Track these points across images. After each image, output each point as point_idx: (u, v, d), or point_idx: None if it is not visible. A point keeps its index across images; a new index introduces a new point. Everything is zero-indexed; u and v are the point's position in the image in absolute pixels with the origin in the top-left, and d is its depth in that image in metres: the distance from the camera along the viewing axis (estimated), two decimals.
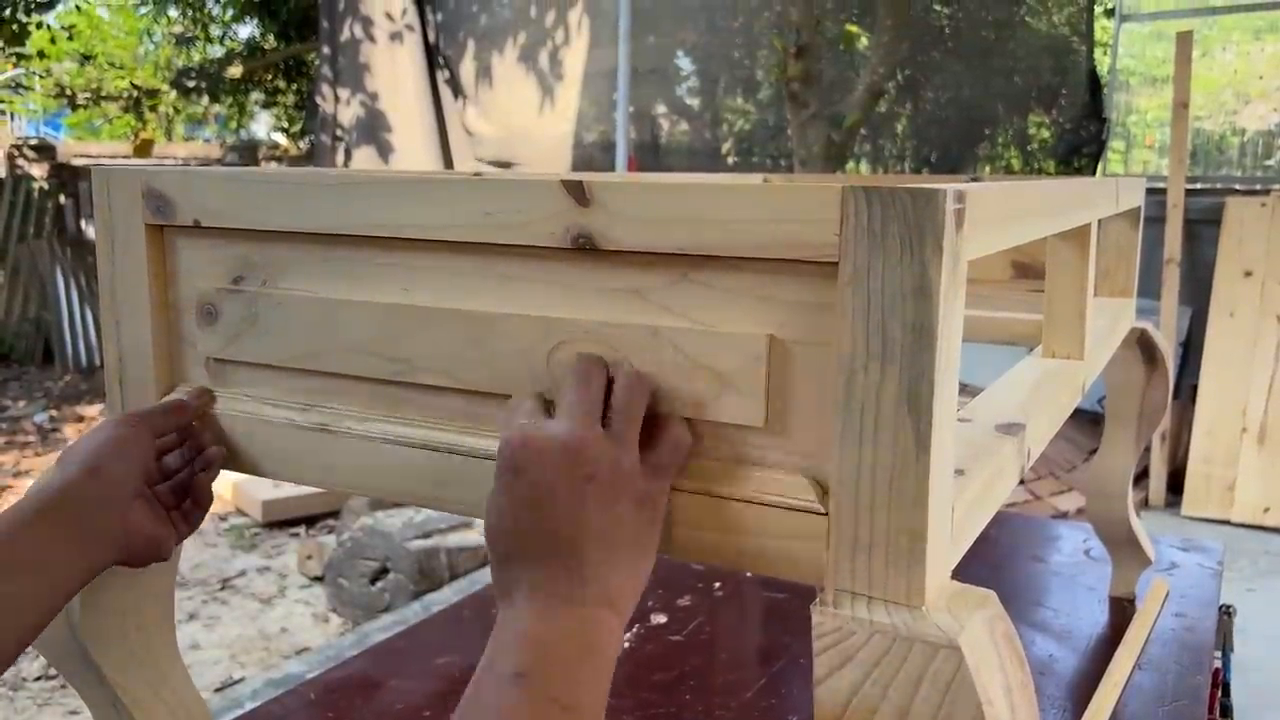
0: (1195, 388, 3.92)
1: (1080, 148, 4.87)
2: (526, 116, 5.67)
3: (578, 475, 0.51)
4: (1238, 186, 4.69)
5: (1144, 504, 3.90)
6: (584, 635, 0.50)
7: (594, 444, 0.52)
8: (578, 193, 0.55)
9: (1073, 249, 0.88)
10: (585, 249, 0.56)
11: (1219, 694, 1.28)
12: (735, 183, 0.53)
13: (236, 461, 0.72)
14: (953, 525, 0.52)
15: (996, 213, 0.56)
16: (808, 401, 0.52)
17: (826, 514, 0.51)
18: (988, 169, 5.32)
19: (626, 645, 1.23)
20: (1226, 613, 1.37)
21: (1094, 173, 4.83)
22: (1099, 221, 0.94)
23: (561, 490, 0.51)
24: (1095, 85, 4.73)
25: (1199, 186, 4.53)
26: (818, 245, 0.49)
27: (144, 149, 8.22)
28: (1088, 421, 3.92)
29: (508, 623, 0.51)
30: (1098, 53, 4.98)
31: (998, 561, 1.50)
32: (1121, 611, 1.33)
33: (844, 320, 0.49)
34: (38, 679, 2.65)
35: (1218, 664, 1.29)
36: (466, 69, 5.77)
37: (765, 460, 0.54)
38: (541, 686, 0.47)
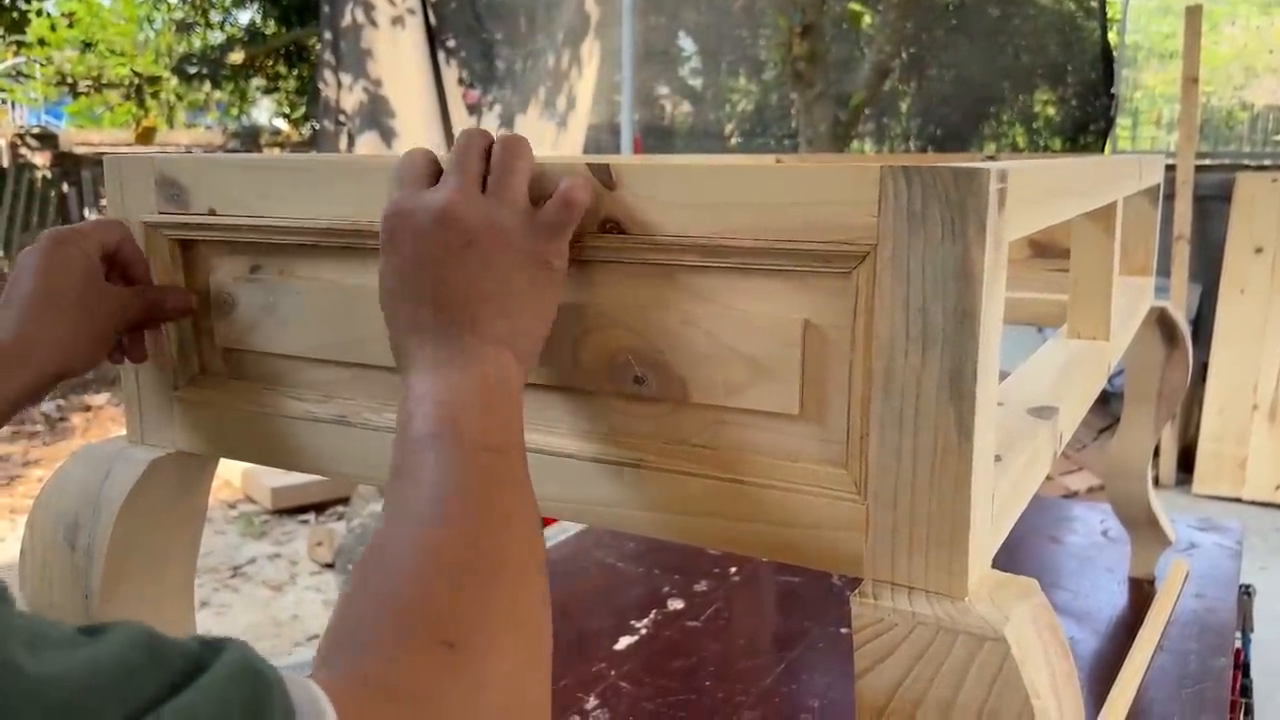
0: (1205, 365, 3.90)
1: (1088, 124, 4.84)
2: (543, 147, 5.67)
3: (455, 240, 0.51)
4: (1247, 162, 4.65)
5: (1154, 482, 3.88)
6: (485, 381, 0.50)
7: (470, 206, 0.52)
8: (604, 176, 0.54)
9: (1098, 228, 0.87)
10: (613, 234, 0.55)
11: (1240, 675, 1.28)
12: (764, 165, 0.52)
13: (253, 453, 0.71)
14: (993, 513, 0.51)
15: (1034, 192, 0.54)
16: (844, 388, 0.51)
17: (864, 503, 0.50)
18: (993, 147, 5.29)
19: (644, 632, 1.23)
20: (1246, 593, 1.36)
21: (1102, 149, 4.80)
22: (1123, 200, 0.93)
23: (442, 257, 0.51)
24: (1108, 60, 4.68)
25: (1208, 163, 4.50)
26: (855, 227, 0.48)
27: (146, 136, 8.20)
28: (1098, 399, 3.91)
29: (412, 391, 0.50)
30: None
31: (1014, 543, 1.49)
32: (1141, 593, 1.32)
33: (883, 305, 0.48)
34: None
35: (1238, 645, 1.28)
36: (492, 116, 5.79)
37: (800, 448, 0.53)
38: (456, 438, 0.47)
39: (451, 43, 5.69)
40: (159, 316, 0.70)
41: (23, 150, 7.17)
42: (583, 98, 5.57)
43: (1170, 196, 3.86)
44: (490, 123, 5.81)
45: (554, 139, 5.60)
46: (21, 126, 8.71)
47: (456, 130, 5.65)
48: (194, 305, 0.71)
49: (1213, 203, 4.05)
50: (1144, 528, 1.35)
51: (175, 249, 0.71)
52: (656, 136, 5.75)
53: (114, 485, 0.72)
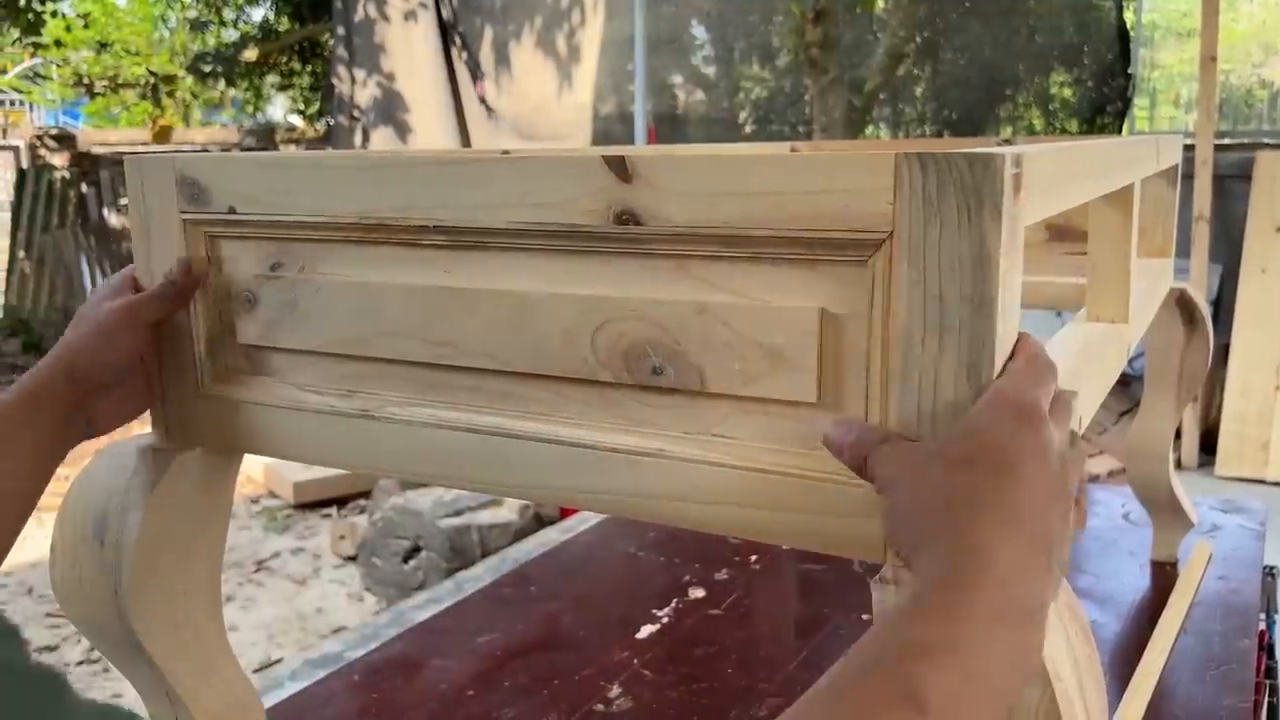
0: (1227, 346, 3.87)
1: (1105, 105, 4.80)
2: (545, 97, 5.64)
3: (1049, 469, 0.44)
4: (1267, 140, 4.61)
5: (1177, 465, 3.85)
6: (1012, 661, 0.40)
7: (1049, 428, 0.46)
8: (619, 168, 0.54)
9: (1116, 211, 0.87)
10: (629, 225, 0.55)
11: (1264, 657, 1.27)
12: (779, 153, 0.52)
13: (277, 448, 0.72)
14: None
15: (1050, 176, 0.54)
16: (862, 376, 0.51)
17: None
18: (1009, 130, 5.25)
19: (666, 620, 1.23)
20: (1270, 574, 1.36)
21: (1119, 131, 4.76)
22: (1140, 182, 0.92)
23: (1043, 504, 0.44)
24: (1124, 39, 4.64)
25: (1227, 141, 4.45)
26: (871, 215, 0.48)
27: (163, 135, 8.25)
28: (1118, 383, 3.88)
29: (884, 621, 0.42)
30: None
31: None
32: (1164, 576, 1.32)
33: (899, 292, 0.48)
34: (80, 663, 2.69)
35: (1262, 626, 1.28)
36: (485, 53, 5.75)
37: (819, 436, 0.53)
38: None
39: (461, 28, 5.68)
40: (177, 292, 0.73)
41: (41, 151, 7.22)
42: (588, 48, 5.51)
43: (1189, 176, 3.82)
44: (485, 53, 5.72)
45: (555, 87, 5.53)
46: (39, 128, 8.78)
47: (470, 124, 5.65)
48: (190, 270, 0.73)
49: (1232, 182, 4.01)
50: (1166, 510, 1.35)
51: (209, 245, 0.72)
52: (670, 125, 5.74)
53: (140, 482, 0.73)
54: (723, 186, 0.52)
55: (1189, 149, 3.84)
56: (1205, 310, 1.24)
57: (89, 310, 0.72)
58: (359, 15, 5.60)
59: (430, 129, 5.58)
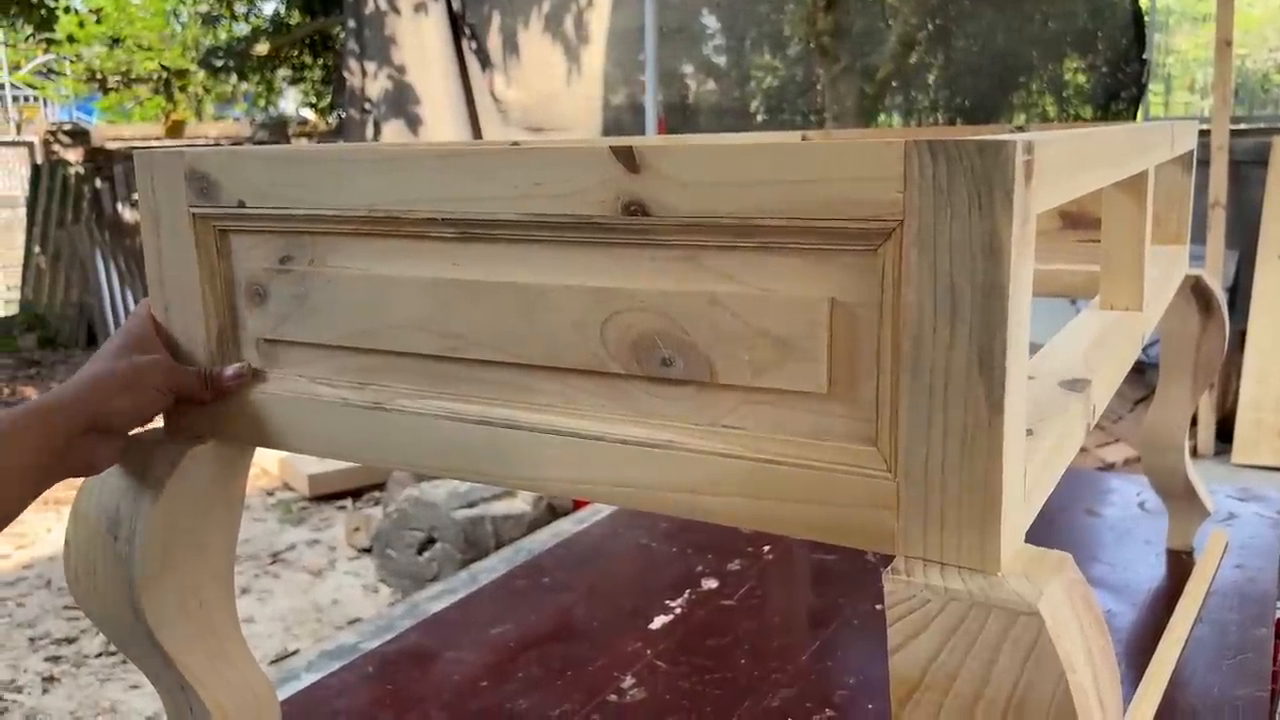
0: (1243, 333, 3.84)
1: (1119, 92, 4.76)
2: (554, 83, 5.63)
3: None
4: None
5: (1193, 453, 3.83)
6: None
7: None
8: (628, 159, 0.54)
9: (1130, 198, 0.86)
10: (637, 216, 0.55)
11: None
12: (788, 142, 0.52)
13: (289, 442, 0.72)
14: (1025, 487, 0.51)
15: (1062, 164, 0.54)
16: (873, 365, 0.51)
17: (895, 480, 0.50)
18: (1023, 117, 5.21)
19: (679, 611, 1.23)
20: None
21: (1134, 117, 4.72)
22: (1155, 168, 0.91)
23: None
24: (1139, 24, 4.59)
25: (1243, 127, 4.41)
26: (880, 204, 0.48)
27: (176, 130, 8.28)
28: (1133, 370, 3.85)
29: None
30: None
31: (1051, 516, 1.48)
32: (1180, 565, 1.31)
33: (910, 281, 0.47)
34: (98, 655, 2.71)
35: (1279, 615, 1.27)
36: (492, 38, 5.74)
37: (830, 427, 0.53)
38: None
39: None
40: (217, 387, 0.74)
41: (55, 147, 7.26)
42: (596, 35, 5.49)
43: (1205, 162, 3.79)
44: (494, 43, 5.71)
45: (564, 77, 5.51)
46: (53, 123, 8.82)
47: (481, 115, 5.65)
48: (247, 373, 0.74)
49: (1249, 167, 3.98)
50: (1181, 499, 1.34)
51: (218, 239, 0.72)
52: (681, 115, 5.72)
53: (153, 476, 0.74)
54: (731, 176, 0.51)
55: (1204, 134, 3.81)
56: (1221, 297, 1.23)
57: (114, 357, 0.71)
58: (369, 8, 5.60)
59: (441, 121, 5.58)
